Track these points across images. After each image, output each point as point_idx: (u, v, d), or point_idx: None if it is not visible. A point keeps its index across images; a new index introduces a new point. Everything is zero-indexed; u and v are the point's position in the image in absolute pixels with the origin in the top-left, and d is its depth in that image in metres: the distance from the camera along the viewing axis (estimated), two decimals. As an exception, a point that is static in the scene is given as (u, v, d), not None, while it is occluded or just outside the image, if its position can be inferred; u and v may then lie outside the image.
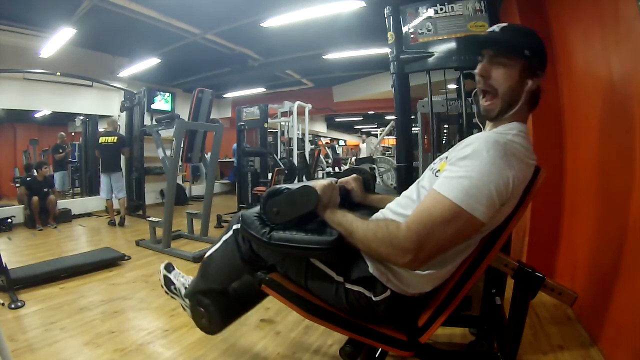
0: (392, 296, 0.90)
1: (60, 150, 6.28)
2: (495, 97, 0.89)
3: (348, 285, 0.93)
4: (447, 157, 0.87)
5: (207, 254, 1.18)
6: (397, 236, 0.77)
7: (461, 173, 0.77)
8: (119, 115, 5.45)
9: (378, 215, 0.99)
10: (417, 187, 0.95)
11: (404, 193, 0.99)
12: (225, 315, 1.22)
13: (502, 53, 0.88)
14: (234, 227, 1.08)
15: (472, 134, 0.97)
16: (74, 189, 6.63)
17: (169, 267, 1.39)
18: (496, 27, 0.92)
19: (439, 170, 0.87)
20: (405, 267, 0.85)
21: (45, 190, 4.44)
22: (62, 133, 6.71)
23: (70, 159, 6.61)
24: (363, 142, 9.31)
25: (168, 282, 1.35)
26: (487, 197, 0.75)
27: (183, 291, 1.29)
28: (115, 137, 4.54)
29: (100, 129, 6.43)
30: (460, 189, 0.75)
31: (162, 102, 5.61)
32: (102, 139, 4.50)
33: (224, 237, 1.12)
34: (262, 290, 1.00)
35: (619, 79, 1.45)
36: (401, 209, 0.93)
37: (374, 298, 0.91)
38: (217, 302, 1.18)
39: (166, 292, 1.38)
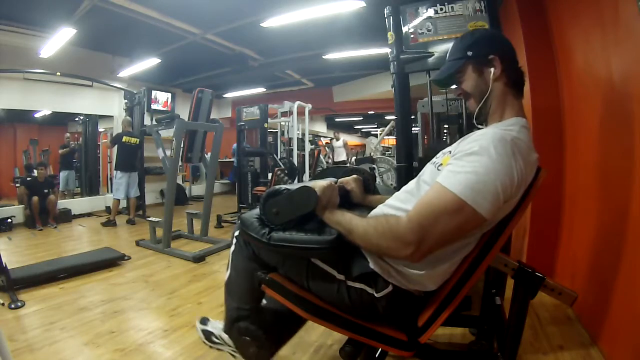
0: (393, 291, 0.90)
1: (66, 149, 6.28)
2: (470, 98, 0.99)
3: (350, 283, 0.93)
4: (450, 152, 0.88)
5: (225, 277, 1.13)
6: (398, 228, 0.77)
7: (468, 168, 0.77)
8: (126, 116, 5.44)
9: (376, 211, 0.99)
10: (417, 181, 0.95)
11: (403, 188, 0.99)
12: (270, 333, 1.08)
13: (455, 72, 0.99)
14: (236, 233, 1.08)
15: (472, 132, 0.98)
16: (74, 189, 6.62)
17: (204, 321, 1.28)
18: (448, 55, 1.03)
19: (441, 164, 0.88)
20: (406, 260, 0.84)
21: (46, 190, 4.44)
22: (68, 134, 6.74)
23: (74, 158, 6.61)
24: (337, 140, 8.56)
25: (208, 335, 1.24)
26: (492, 193, 0.75)
27: (224, 336, 1.17)
28: (138, 139, 4.64)
29: (100, 129, 6.45)
30: (466, 184, 0.75)
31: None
32: (125, 138, 4.52)
33: (230, 250, 1.10)
34: (255, 285, 0.97)
35: (619, 79, 1.45)
36: (400, 204, 0.93)
37: (376, 294, 0.91)
38: (255, 321, 1.07)
39: (210, 347, 1.25)
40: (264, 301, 1.18)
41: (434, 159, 0.97)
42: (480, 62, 0.94)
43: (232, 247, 1.10)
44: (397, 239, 0.77)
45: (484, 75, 0.94)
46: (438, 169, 0.87)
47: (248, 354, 1.10)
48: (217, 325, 1.24)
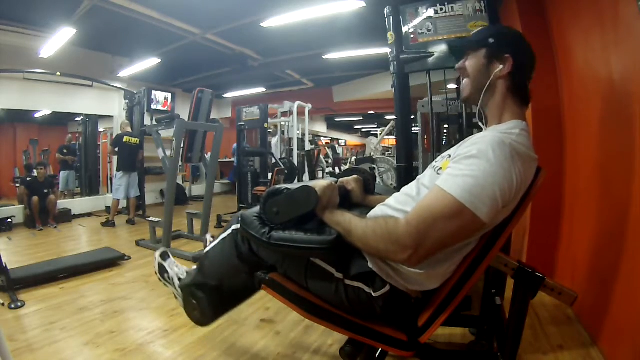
0: (391, 291, 0.90)
1: (65, 151, 6.27)
2: (466, 78, 0.98)
3: (348, 282, 0.93)
4: (450, 156, 0.87)
5: (205, 250, 1.20)
6: (396, 232, 0.77)
7: (466, 172, 0.77)
8: (125, 118, 5.44)
9: (376, 211, 0.99)
10: (417, 184, 0.95)
11: (403, 190, 0.99)
12: (218, 309, 1.24)
13: (470, 48, 0.98)
14: (233, 227, 1.09)
15: (472, 134, 0.98)
16: (74, 189, 6.62)
17: (164, 256, 1.40)
18: (473, 34, 1.04)
19: (440, 168, 0.88)
20: (404, 264, 0.85)
21: (46, 190, 4.43)
22: (70, 135, 6.75)
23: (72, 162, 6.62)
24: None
25: (162, 270, 1.37)
26: (491, 197, 0.75)
27: (176, 281, 1.31)
28: (138, 139, 4.64)
29: (100, 129, 6.45)
30: (465, 187, 0.75)
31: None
32: (126, 138, 4.52)
33: (222, 236, 1.13)
34: (256, 286, 1.01)
35: (619, 79, 1.45)
36: (400, 206, 0.93)
37: (373, 294, 0.91)
38: (211, 297, 1.20)
39: (159, 280, 1.40)
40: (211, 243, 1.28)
41: (433, 163, 0.97)
42: (494, 53, 0.93)
43: (226, 234, 1.11)
44: (394, 242, 0.77)
45: (490, 66, 0.93)
46: (438, 173, 0.87)
47: (190, 314, 1.25)
48: (173, 267, 1.35)
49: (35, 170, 4.66)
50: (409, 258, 0.77)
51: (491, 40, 0.94)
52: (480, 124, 1.00)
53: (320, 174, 7.27)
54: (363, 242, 0.83)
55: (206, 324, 1.27)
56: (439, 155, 1.02)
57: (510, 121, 0.90)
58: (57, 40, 4.05)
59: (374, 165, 4.53)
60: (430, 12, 1.74)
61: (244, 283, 1.25)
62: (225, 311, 1.30)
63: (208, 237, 1.42)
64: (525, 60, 0.93)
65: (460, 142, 0.93)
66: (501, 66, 0.91)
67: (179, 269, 1.35)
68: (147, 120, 5.16)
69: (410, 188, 0.97)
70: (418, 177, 0.98)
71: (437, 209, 0.76)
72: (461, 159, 0.80)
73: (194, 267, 1.28)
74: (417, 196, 0.91)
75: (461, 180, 0.76)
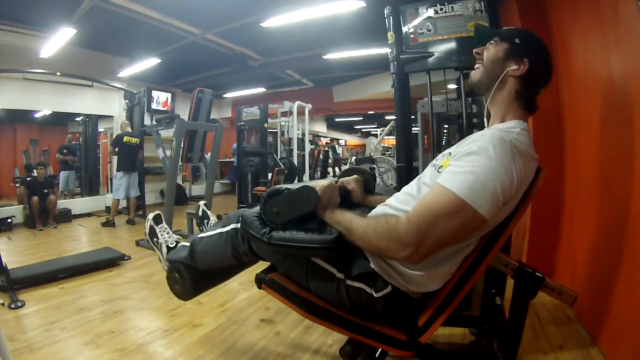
0: (392, 292, 0.90)
1: (65, 151, 6.27)
2: (479, 66, 0.98)
3: (349, 282, 0.93)
4: (450, 154, 0.88)
5: (200, 235, 1.20)
6: (397, 229, 0.77)
7: (467, 168, 0.77)
8: (125, 118, 5.44)
9: (377, 210, 0.99)
10: (417, 183, 0.95)
11: (403, 189, 0.99)
12: (198, 288, 1.27)
13: (496, 38, 0.98)
14: (233, 225, 1.08)
15: (472, 133, 0.98)
16: (74, 189, 6.62)
17: (157, 219, 1.43)
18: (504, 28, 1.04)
19: (441, 166, 0.88)
20: (405, 262, 0.84)
21: (46, 190, 4.43)
22: (69, 135, 6.75)
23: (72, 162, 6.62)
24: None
25: (152, 233, 1.40)
26: (492, 193, 0.75)
27: (164, 249, 1.33)
28: (138, 139, 4.63)
29: (100, 129, 6.45)
30: (465, 184, 0.75)
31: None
32: (126, 139, 4.50)
33: (220, 230, 1.12)
34: (237, 266, 1.03)
35: (619, 79, 1.45)
36: (400, 205, 0.93)
37: (375, 294, 0.91)
38: (194, 277, 1.21)
39: (147, 241, 1.42)
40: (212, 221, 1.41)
41: (434, 161, 0.97)
42: (514, 53, 0.93)
43: (224, 230, 1.10)
44: (396, 240, 0.77)
45: (506, 62, 0.93)
46: (438, 171, 0.87)
47: (171, 286, 1.27)
48: (163, 233, 1.38)
49: (35, 170, 4.66)
50: (409, 256, 0.76)
51: (517, 40, 0.94)
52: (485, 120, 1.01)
53: (319, 174, 7.27)
54: (364, 241, 0.83)
55: (184, 300, 1.31)
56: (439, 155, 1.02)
57: (512, 121, 0.91)
58: (57, 40, 4.05)
59: (374, 165, 4.53)
60: (430, 12, 1.74)
61: (230, 267, 1.25)
62: (206, 289, 1.33)
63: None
64: (541, 70, 0.93)
65: (461, 140, 0.93)
66: (516, 66, 0.92)
67: (169, 236, 1.37)
68: (147, 120, 5.16)
69: (410, 187, 0.97)
70: (419, 175, 0.98)
71: (438, 206, 0.76)
72: (461, 156, 0.80)
73: (185, 243, 1.28)
74: (418, 195, 0.91)
75: (462, 177, 0.76)
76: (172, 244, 1.34)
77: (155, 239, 1.38)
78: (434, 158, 1.04)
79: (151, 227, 1.41)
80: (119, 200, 4.51)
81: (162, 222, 1.43)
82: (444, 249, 0.82)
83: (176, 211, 3.44)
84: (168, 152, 3.25)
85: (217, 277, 1.34)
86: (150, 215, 1.44)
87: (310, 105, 5.78)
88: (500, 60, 0.94)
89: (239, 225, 1.02)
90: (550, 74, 0.95)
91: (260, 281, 0.99)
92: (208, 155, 4.13)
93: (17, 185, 5.68)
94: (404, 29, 1.81)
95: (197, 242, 1.19)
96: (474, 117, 1.80)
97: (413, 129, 2.19)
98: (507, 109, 0.93)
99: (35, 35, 4.21)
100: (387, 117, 9.77)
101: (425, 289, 0.92)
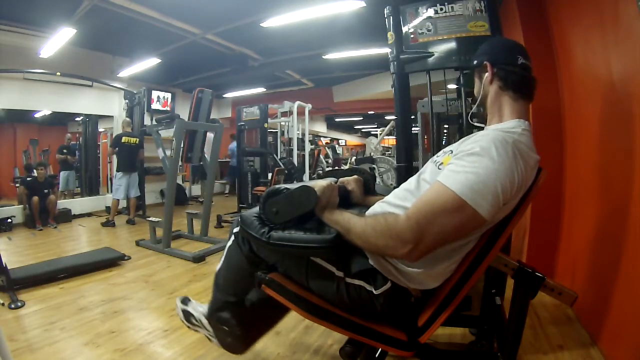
0: (392, 289, 0.90)
1: (65, 151, 6.28)
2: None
3: (349, 280, 0.93)
4: (451, 151, 0.88)
5: (217, 268, 1.16)
6: (396, 227, 0.77)
7: (468, 168, 0.77)
8: (125, 117, 5.44)
9: (375, 208, 0.99)
10: (417, 179, 0.95)
11: (402, 185, 0.99)
12: (248, 328, 1.15)
13: (472, 76, 1.06)
14: (234, 230, 1.08)
15: (472, 133, 0.98)
16: (74, 189, 6.62)
17: (185, 301, 1.32)
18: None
19: (442, 163, 0.88)
20: (404, 259, 0.84)
21: (46, 190, 4.43)
22: (69, 135, 6.74)
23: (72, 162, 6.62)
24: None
25: (187, 315, 1.29)
26: (492, 194, 0.75)
27: (204, 320, 1.21)
28: (137, 139, 4.63)
29: (100, 129, 6.45)
30: (466, 183, 0.75)
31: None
32: (124, 139, 4.50)
33: (227, 244, 1.12)
34: (256, 286, 0.98)
35: (619, 79, 1.45)
36: (399, 201, 0.93)
37: (374, 291, 0.91)
38: (236, 314, 1.12)
39: (188, 327, 1.31)
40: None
41: (434, 158, 0.97)
42: (480, 69, 1.01)
43: (230, 242, 1.11)
44: (395, 237, 0.77)
45: (482, 81, 1.00)
46: (439, 168, 0.87)
47: (225, 343, 1.18)
48: (197, 308, 1.28)
49: (35, 171, 4.66)
50: (409, 253, 0.77)
51: (475, 62, 1.02)
52: (475, 124, 1.03)
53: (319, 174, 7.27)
54: (362, 240, 0.83)
55: (242, 349, 1.19)
56: None
57: (511, 120, 0.91)
58: (57, 40, 4.05)
59: (374, 165, 4.53)
60: (430, 12, 1.74)
61: (263, 297, 1.13)
62: (258, 331, 1.23)
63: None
64: (500, 55, 0.97)
65: (462, 139, 0.93)
66: (486, 74, 0.98)
67: (202, 308, 1.25)
68: (147, 120, 5.16)
69: (409, 183, 0.97)
70: (419, 171, 0.98)
71: (438, 204, 0.76)
72: (463, 155, 0.80)
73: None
74: (417, 190, 0.91)
75: (463, 177, 0.76)
76: (207, 311, 1.23)
77: (192, 318, 1.27)
78: (434, 157, 1.04)
79: (183, 311, 1.30)
80: (118, 200, 4.52)
81: (190, 301, 1.32)
82: (443, 246, 0.82)
83: (176, 211, 3.44)
84: (168, 152, 3.25)
85: (262, 314, 1.21)
86: (177, 300, 1.34)
87: (310, 105, 5.78)
88: (479, 86, 1.02)
89: (239, 227, 1.02)
90: (509, 44, 1.01)
91: (260, 281, 0.99)
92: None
93: (17, 185, 5.68)
94: (404, 29, 1.81)
95: (216, 275, 1.16)
96: (474, 117, 1.80)
97: (413, 129, 2.19)
98: (500, 107, 0.95)
99: (35, 35, 4.21)
100: (387, 117, 9.76)
101: (423, 286, 0.92)
